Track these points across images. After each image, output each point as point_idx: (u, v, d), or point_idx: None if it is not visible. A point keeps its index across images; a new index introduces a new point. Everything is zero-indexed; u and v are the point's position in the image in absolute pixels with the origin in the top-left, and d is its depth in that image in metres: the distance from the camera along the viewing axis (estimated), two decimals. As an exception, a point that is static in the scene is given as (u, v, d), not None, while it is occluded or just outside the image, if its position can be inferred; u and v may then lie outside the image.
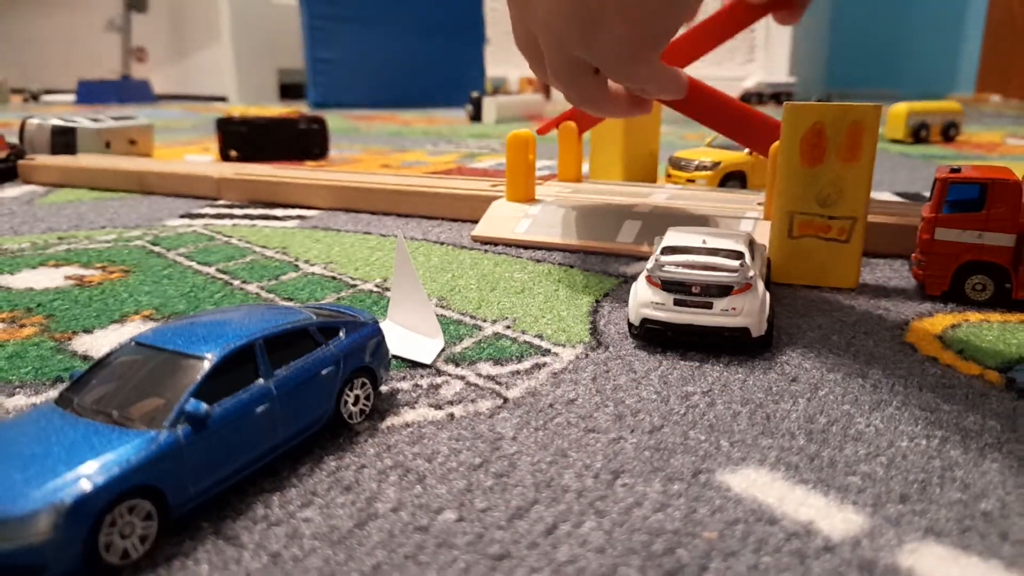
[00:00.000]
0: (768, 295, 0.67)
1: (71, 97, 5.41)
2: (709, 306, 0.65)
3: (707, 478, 0.46)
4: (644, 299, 0.67)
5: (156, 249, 1.04)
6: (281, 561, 0.39)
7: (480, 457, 0.49)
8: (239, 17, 5.69)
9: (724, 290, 0.65)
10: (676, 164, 1.45)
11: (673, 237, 0.71)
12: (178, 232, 1.15)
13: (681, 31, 0.90)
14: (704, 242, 0.69)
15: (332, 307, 0.59)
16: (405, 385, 0.60)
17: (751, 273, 0.65)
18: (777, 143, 0.86)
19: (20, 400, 0.57)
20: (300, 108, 4.11)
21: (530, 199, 1.12)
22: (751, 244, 0.72)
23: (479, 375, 0.62)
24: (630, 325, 0.69)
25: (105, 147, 1.89)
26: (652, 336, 0.68)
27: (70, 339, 0.70)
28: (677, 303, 0.66)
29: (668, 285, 0.66)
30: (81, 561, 0.37)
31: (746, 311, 0.64)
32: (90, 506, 0.37)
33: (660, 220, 1.02)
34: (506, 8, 0.76)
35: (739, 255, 0.66)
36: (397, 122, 3.59)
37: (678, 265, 0.66)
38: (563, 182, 1.24)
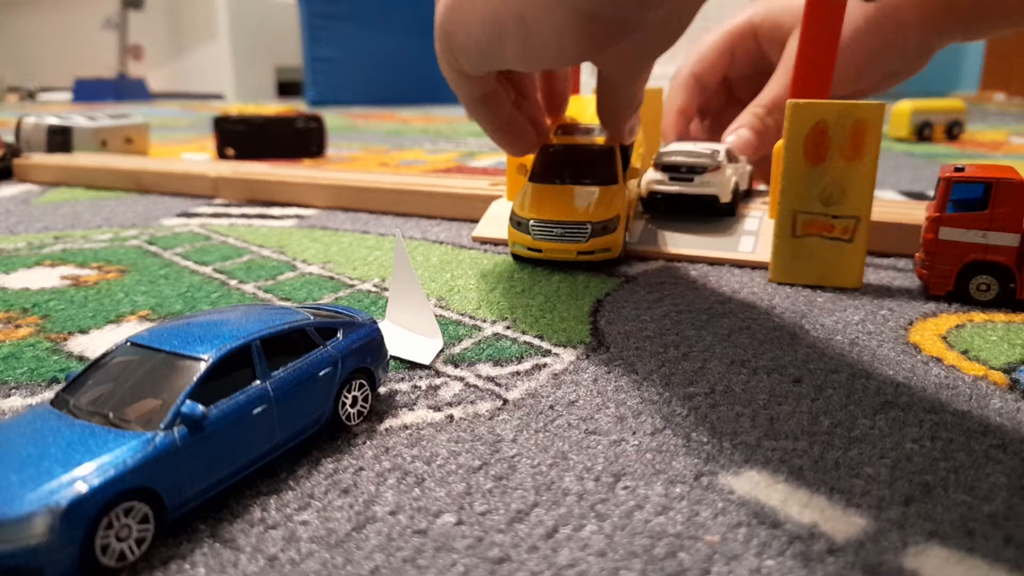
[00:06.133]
0: (736, 180, 1.01)
1: (67, 95, 5.41)
2: (691, 180, 0.99)
3: (709, 481, 0.46)
4: (650, 178, 1.02)
5: (152, 249, 1.03)
6: (278, 564, 0.39)
7: (480, 459, 0.48)
8: (236, 14, 5.67)
9: (701, 169, 0.99)
10: None
11: (677, 145, 1.05)
12: (175, 231, 1.14)
13: None
14: (695, 144, 1.05)
15: (330, 307, 0.58)
16: (403, 386, 0.59)
17: (720, 159, 0.99)
18: (781, 141, 0.85)
19: (16, 401, 0.57)
20: (298, 106, 4.10)
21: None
22: (729, 152, 1.04)
23: (479, 376, 0.61)
24: (641, 199, 1.04)
25: (101, 146, 1.89)
26: (654, 206, 1.03)
27: (66, 340, 0.69)
28: (671, 179, 1.00)
29: (664, 167, 1.02)
30: (78, 564, 0.36)
31: (715, 183, 0.98)
32: (86, 508, 0.36)
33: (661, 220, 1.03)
34: None
35: (715, 152, 1.00)
36: (396, 120, 3.58)
37: (672, 153, 1.02)
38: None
